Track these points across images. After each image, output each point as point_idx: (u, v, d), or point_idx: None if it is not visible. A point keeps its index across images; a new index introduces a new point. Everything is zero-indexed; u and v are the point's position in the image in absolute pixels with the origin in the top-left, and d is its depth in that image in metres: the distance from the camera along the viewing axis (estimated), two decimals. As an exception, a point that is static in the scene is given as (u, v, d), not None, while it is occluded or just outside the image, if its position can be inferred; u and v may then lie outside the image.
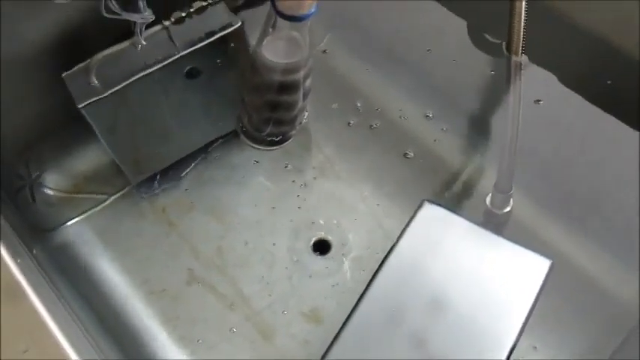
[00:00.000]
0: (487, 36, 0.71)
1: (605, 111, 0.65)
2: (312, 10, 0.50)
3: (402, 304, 0.51)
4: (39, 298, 0.40)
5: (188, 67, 0.61)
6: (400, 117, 0.66)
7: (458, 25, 0.72)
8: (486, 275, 0.52)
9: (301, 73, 0.56)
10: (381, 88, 0.68)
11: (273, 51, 0.54)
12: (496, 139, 0.65)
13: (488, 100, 0.69)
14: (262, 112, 0.60)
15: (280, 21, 0.51)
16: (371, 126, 0.66)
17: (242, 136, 0.64)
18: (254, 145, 0.63)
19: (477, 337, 0.49)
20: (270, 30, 0.53)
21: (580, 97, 0.66)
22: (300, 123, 0.64)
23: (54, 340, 0.39)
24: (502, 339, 0.49)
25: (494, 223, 0.59)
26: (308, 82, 0.58)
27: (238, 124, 0.64)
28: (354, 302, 0.50)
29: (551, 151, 0.64)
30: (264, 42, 0.54)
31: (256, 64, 0.56)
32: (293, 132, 0.64)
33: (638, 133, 0.63)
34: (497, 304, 0.50)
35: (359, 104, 0.67)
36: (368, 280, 0.52)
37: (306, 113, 0.65)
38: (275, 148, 0.64)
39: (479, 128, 0.67)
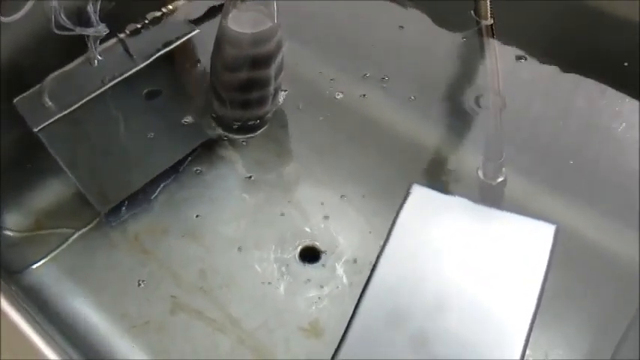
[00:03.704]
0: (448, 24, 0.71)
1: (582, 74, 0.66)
2: None
3: (405, 299, 0.48)
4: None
5: (148, 87, 0.59)
6: (370, 105, 0.65)
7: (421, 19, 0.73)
8: (491, 251, 0.50)
9: (272, 45, 0.54)
10: (353, 82, 0.67)
11: (240, 22, 0.53)
12: (476, 114, 0.64)
13: (460, 77, 0.68)
14: (236, 94, 0.58)
15: None
16: (344, 122, 0.64)
17: (214, 124, 0.61)
18: (229, 135, 0.61)
19: (493, 320, 0.47)
20: (235, 4, 0.52)
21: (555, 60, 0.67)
22: (277, 105, 0.62)
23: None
24: (520, 314, 0.46)
25: (490, 198, 0.57)
26: (280, 57, 0.57)
27: (210, 112, 0.61)
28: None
29: (536, 117, 0.64)
30: (230, 15, 0.53)
31: (224, 39, 0.54)
32: (269, 115, 0.62)
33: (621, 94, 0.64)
34: (508, 279, 0.48)
35: (330, 102, 0.66)
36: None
37: (283, 93, 0.63)
38: (251, 135, 0.61)
39: (455, 107, 0.66)
